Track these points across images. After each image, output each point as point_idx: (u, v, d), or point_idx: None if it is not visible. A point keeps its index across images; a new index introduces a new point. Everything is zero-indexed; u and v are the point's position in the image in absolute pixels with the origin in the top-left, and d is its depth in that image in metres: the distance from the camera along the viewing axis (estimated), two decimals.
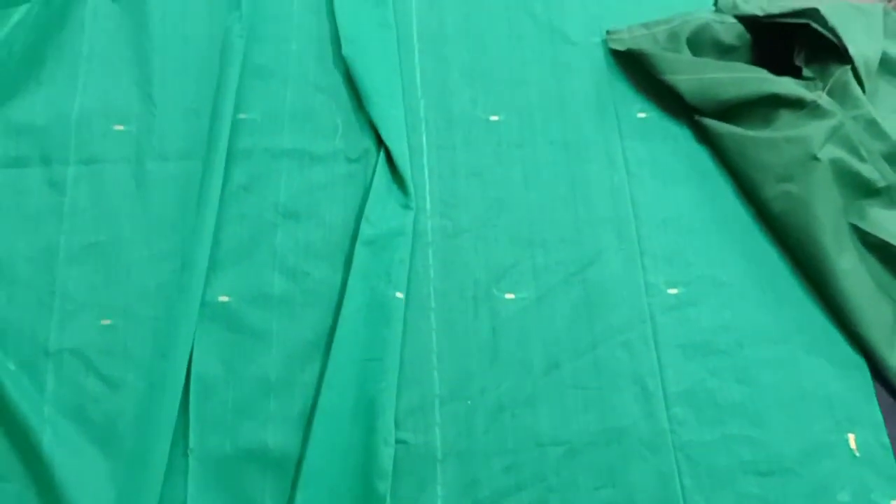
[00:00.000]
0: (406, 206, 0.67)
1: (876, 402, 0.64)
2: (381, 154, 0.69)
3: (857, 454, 0.62)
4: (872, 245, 0.68)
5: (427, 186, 0.70)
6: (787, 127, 0.69)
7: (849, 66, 0.71)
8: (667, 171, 0.72)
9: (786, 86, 0.71)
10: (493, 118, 0.72)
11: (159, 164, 0.68)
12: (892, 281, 0.67)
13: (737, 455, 0.62)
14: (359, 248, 0.64)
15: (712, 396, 0.63)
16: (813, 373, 0.65)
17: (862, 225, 0.68)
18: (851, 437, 0.62)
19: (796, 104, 0.70)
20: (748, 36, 0.76)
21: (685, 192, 0.71)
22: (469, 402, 0.62)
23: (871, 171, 0.69)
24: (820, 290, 0.67)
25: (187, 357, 0.61)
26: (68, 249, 0.65)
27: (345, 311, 0.62)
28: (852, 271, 0.66)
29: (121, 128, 0.69)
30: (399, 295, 0.64)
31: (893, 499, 0.61)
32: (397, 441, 0.60)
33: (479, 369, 0.64)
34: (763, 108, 0.71)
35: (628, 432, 0.62)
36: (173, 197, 0.67)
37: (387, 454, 0.59)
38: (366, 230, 0.65)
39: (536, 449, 0.61)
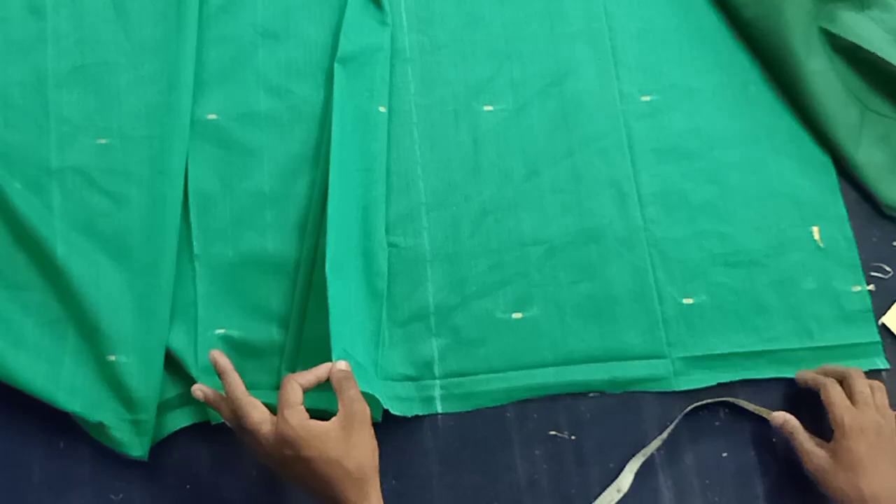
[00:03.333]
0: (382, 22, 0.68)
1: (841, 198, 0.67)
2: None
3: (822, 245, 0.66)
4: (842, 48, 0.69)
5: (402, 3, 0.71)
6: None
7: None
8: None
9: None
10: None
11: None
12: (860, 82, 0.69)
13: (707, 249, 0.66)
14: (339, 65, 0.65)
15: (684, 196, 0.67)
16: (781, 172, 0.68)
17: (832, 28, 0.69)
18: (816, 230, 0.66)
19: None
20: None
21: (659, 4, 0.71)
22: (454, 209, 0.66)
23: None
24: (790, 93, 0.69)
25: (183, 173, 0.64)
26: (56, 74, 0.67)
27: (333, 126, 0.63)
28: (821, 73, 0.68)
29: None
30: (382, 109, 0.66)
31: (854, 285, 0.65)
32: (389, 245, 0.64)
33: (462, 178, 0.67)
34: None
35: (605, 232, 0.66)
36: (152, 20, 0.68)
37: (382, 256, 0.63)
38: (345, 47, 0.66)
39: (519, 249, 0.65)
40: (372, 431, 0.53)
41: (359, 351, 0.60)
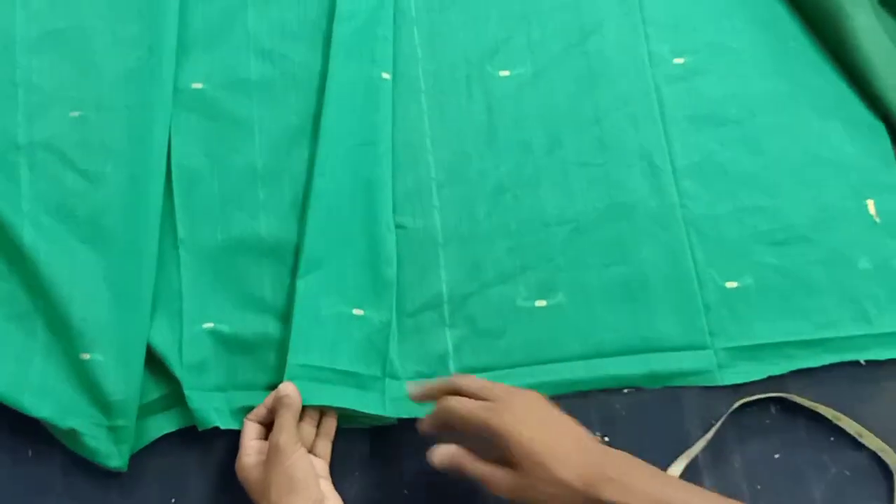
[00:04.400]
0: None
1: None
2: None
3: (877, 220, 0.61)
4: (888, 2, 0.64)
5: None
6: None
7: None
8: None
9: None
10: None
11: None
12: None
13: (750, 226, 0.61)
14: (337, 26, 0.62)
15: (722, 168, 0.62)
16: (828, 137, 0.63)
17: None
18: (871, 203, 0.61)
19: None
20: None
21: None
22: (468, 186, 0.62)
23: None
24: (835, 50, 0.64)
25: (165, 146, 0.60)
26: (26, 38, 0.63)
27: (329, 94, 0.60)
28: (869, 29, 0.63)
29: None
30: (385, 75, 0.62)
31: None
32: (396, 226, 0.60)
33: (475, 151, 0.63)
34: None
35: (636, 208, 0.61)
36: None
37: (390, 240, 0.59)
38: (343, 4, 0.63)
39: (541, 229, 0.61)
40: (296, 462, 0.49)
41: (346, 357, 0.55)
